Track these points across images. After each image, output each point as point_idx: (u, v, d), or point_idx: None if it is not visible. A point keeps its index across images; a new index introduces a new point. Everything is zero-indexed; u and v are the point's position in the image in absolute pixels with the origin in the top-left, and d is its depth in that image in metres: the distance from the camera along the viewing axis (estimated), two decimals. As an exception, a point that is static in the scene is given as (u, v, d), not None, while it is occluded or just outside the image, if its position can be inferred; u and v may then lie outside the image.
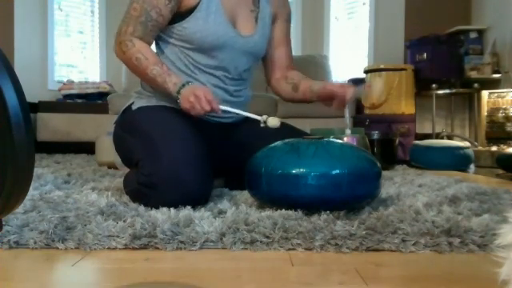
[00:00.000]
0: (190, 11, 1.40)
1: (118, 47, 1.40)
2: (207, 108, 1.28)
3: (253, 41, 1.49)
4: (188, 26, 1.40)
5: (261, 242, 0.90)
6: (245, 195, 1.36)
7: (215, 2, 1.41)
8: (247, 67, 1.54)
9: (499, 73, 3.39)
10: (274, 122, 1.31)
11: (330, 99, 1.45)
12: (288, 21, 1.66)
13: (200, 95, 1.28)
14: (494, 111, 3.25)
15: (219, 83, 1.47)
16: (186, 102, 1.30)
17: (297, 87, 1.57)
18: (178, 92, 1.32)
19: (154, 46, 1.48)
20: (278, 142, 1.24)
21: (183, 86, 1.32)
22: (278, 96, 1.67)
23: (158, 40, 1.47)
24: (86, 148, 3.34)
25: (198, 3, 1.40)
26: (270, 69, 1.65)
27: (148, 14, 1.37)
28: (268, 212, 1.10)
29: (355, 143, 1.95)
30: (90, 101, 3.77)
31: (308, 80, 1.57)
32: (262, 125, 1.32)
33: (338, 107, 1.45)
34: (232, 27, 1.44)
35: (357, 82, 3.68)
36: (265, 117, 1.31)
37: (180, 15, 1.40)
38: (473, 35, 3.57)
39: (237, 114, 1.40)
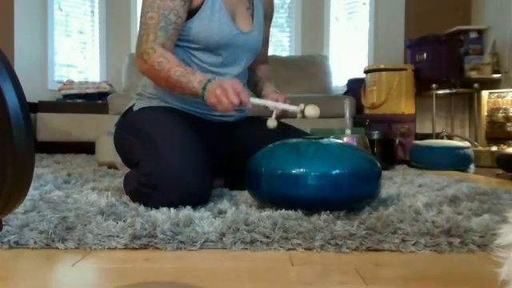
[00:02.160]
0: (195, 11, 1.40)
1: (139, 60, 1.34)
2: (235, 100, 1.21)
3: (253, 37, 1.51)
4: (193, 26, 1.39)
5: (261, 242, 0.90)
6: (245, 195, 1.36)
7: (218, 0, 1.42)
8: (248, 64, 1.57)
9: (499, 73, 3.39)
10: (312, 111, 1.18)
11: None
12: (271, 19, 1.71)
13: (227, 87, 1.21)
14: (494, 111, 3.25)
15: None
16: (212, 97, 1.23)
17: (257, 84, 1.65)
18: (204, 88, 1.25)
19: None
20: (278, 142, 1.24)
21: (209, 81, 1.26)
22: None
23: None
24: (86, 148, 3.34)
25: (203, 2, 1.40)
26: None
27: (167, 17, 1.33)
28: (268, 212, 1.10)
29: (355, 143, 1.95)
30: (90, 101, 3.77)
31: (265, 82, 1.62)
32: (299, 115, 1.22)
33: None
34: (234, 25, 1.45)
35: (355, 83, 3.69)
36: (302, 105, 1.19)
37: None
38: (473, 35, 3.57)
39: (269, 107, 1.30)
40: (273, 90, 1.56)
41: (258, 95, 1.62)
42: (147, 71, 1.34)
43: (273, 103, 1.34)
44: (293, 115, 1.34)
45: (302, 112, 1.20)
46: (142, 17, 1.36)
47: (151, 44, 1.32)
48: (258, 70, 1.68)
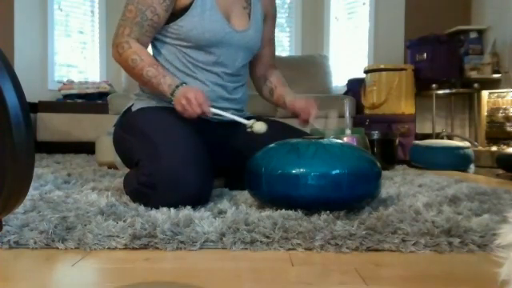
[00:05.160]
0: (185, 10, 1.41)
1: (114, 50, 1.40)
2: (198, 111, 1.29)
3: (248, 35, 1.51)
4: (184, 24, 1.40)
5: (261, 242, 0.90)
6: (245, 195, 1.36)
7: None
8: (244, 63, 1.56)
9: (499, 73, 3.39)
10: (259, 126, 1.31)
11: (296, 115, 1.56)
12: (274, 19, 1.72)
13: (191, 98, 1.28)
14: (494, 111, 3.25)
15: (218, 80, 1.48)
16: (178, 105, 1.31)
17: (273, 92, 1.66)
18: (172, 94, 1.32)
19: (150, 48, 1.48)
20: (278, 142, 1.24)
21: (177, 87, 1.32)
22: (258, 92, 1.74)
23: (155, 41, 1.48)
24: (86, 148, 3.34)
25: (193, 1, 1.40)
26: (254, 64, 1.69)
27: (143, 14, 1.37)
28: (268, 212, 1.10)
29: (355, 143, 1.95)
30: (90, 101, 3.77)
31: (283, 88, 1.64)
32: (248, 129, 1.33)
33: (302, 124, 1.56)
34: (227, 23, 1.45)
35: (355, 83, 3.69)
36: (252, 121, 1.32)
37: (174, 14, 1.41)
38: (473, 35, 3.57)
39: (226, 117, 1.38)
40: (295, 96, 1.58)
41: (276, 103, 1.65)
42: (121, 64, 1.41)
43: (228, 114, 1.39)
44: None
45: (251, 127, 1.32)
46: (124, 7, 1.41)
47: (126, 38, 1.38)
48: (270, 77, 1.67)
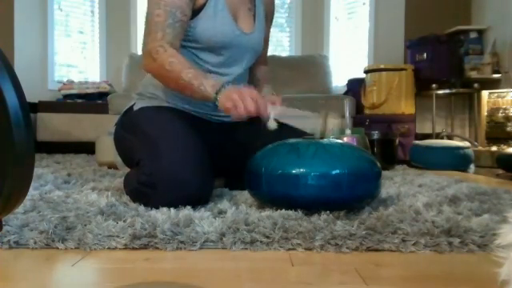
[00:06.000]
0: (199, 10, 1.40)
1: (147, 56, 1.32)
2: (251, 107, 1.19)
3: (254, 38, 1.52)
4: (197, 25, 1.40)
5: (261, 242, 0.90)
6: (245, 195, 1.36)
7: (221, 0, 1.42)
8: (250, 64, 1.58)
9: (499, 73, 3.39)
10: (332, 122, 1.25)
11: None
12: (272, 20, 1.72)
13: (245, 93, 1.20)
14: (494, 111, 3.25)
15: None
16: (227, 101, 1.21)
17: (254, 86, 1.63)
18: (218, 92, 1.24)
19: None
20: (278, 142, 1.24)
21: (223, 86, 1.25)
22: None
23: None
24: (86, 148, 3.34)
25: (206, 2, 1.40)
26: None
27: (174, 15, 1.33)
28: (268, 212, 1.10)
29: (355, 143, 1.95)
30: (90, 101, 3.77)
31: (261, 83, 1.65)
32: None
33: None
34: (236, 25, 1.46)
35: (355, 83, 3.69)
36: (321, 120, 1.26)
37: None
38: (473, 35, 3.57)
39: (289, 117, 1.33)
40: (269, 92, 1.57)
41: None
42: (155, 70, 1.33)
43: (294, 110, 1.34)
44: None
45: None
46: (148, 15, 1.35)
47: (160, 42, 1.31)
48: (257, 71, 1.69)
